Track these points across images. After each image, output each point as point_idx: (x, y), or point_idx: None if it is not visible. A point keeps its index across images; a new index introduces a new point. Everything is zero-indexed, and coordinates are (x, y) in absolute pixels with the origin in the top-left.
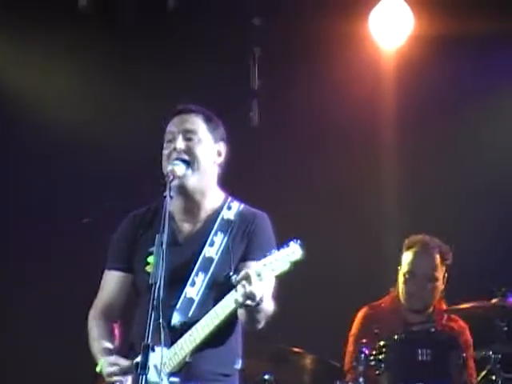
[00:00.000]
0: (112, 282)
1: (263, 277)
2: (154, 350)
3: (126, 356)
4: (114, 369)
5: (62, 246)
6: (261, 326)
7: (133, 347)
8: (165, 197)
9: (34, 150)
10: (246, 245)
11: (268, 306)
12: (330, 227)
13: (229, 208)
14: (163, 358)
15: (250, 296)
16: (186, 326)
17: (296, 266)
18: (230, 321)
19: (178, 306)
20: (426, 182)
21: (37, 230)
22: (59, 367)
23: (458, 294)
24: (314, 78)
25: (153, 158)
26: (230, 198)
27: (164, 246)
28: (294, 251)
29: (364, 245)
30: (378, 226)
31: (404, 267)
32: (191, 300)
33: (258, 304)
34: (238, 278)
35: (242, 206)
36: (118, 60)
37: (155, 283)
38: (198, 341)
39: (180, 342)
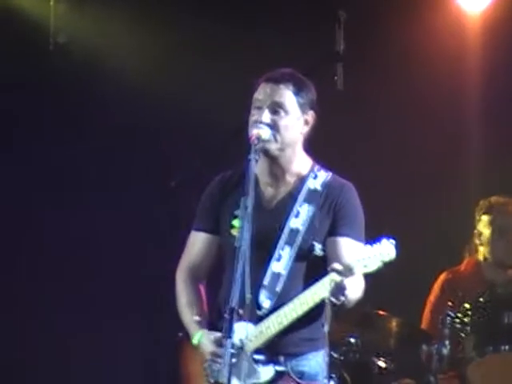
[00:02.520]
0: (198, 243)
1: (355, 272)
2: (239, 317)
3: (213, 322)
4: (218, 350)
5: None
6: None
7: (220, 313)
8: (249, 160)
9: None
10: (332, 218)
11: (355, 295)
12: (415, 190)
13: (315, 177)
14: (249, 335)
15: (339, 289)
16: (274, 303)
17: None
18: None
19: (265, 283)
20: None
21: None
22: None
23: None
24: (397, 41)
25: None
26: (316, 166)
27: (250, 210)
28: (388, 252)
29: (449, 210)
30: (462, 190)
31: (493, 226)
32: (278, 275)
33: (346, 297)
34: (329, 268)
35: (330, 175)
36: (198, 23)
37: (241, 246)
38: (285, 323)
39: (267, 321)
